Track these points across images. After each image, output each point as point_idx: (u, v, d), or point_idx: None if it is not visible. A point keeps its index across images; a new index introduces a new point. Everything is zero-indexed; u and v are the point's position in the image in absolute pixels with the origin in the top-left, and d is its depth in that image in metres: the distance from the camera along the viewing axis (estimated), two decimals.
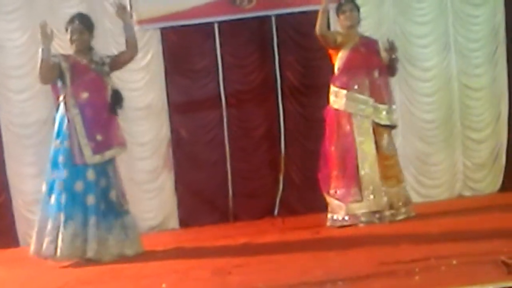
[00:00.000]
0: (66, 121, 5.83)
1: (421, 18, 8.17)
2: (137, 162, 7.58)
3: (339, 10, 6.72)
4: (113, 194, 5.93)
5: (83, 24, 5.97)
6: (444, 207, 7.21)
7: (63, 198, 5.74)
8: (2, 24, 7.79)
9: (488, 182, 8.29)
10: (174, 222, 8.01)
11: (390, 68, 6.73)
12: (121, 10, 6.10)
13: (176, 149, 8.05)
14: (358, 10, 6.73)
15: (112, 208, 5.90)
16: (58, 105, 5.99)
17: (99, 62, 5.97)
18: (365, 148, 6.47)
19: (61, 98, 5.93)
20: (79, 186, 5.77)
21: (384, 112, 6.57)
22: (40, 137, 7.70)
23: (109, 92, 5.95)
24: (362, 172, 6.43)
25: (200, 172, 8.04)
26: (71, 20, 6.00)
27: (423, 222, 6.23)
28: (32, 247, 5.84)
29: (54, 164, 5.85)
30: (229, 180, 8.02)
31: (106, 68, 5.99)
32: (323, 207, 6.72)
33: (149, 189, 7.85)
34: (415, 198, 7.26)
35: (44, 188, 5.95)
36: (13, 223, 7.80)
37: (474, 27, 8.24)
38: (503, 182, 8.27)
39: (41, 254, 5.75)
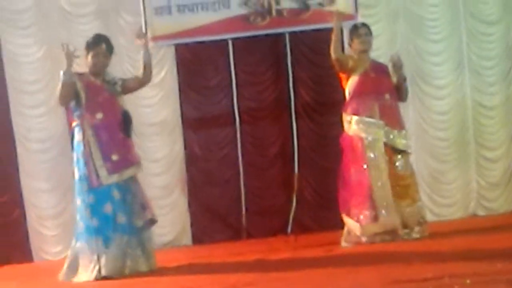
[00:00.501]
0: (82, 147, 5.80)
1: (434, 35, 8.16)
2: (150, 178, 7.55)
3: (354, 34, 6.65)
4: (135, 210, 5.96)
5: (108, 48, 5.96)
6: (458, 226, 7.17)
7: (95, 222, 5.73)
8: (17, 39, 7.82)
9: (502, 201, 8.24)
10: (187, 239, 8.01)
11: (399, 90, 6.68)
12: (142, 36, 6.17)
13: (190, 166, 8.05)
14: (372, 34, 6.71)
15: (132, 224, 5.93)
16: (73, 131, 5.96)
17: (111, 82, 5.98)
18: (378, 168, 6.44)
19: (74, 123, 5.91)
20: (108, 208, 5.77)
21: (395, 136, 6.54)
22: (55, 152, 7.74)
23: (121, 112, 5.97)
24: (375, 192, 6.40)
25: (214, 189, 8.04)
26: (97, 42, 5.94)
27: (436, 240, 6.20)
28: (65, 274, 5.83)
29: (80, 193, 5.84)
30: (242, 197, 8.02)
31: (118, 88, 6.00)
32: (336, 225, 6.70)
33: (162, 205, 7.82)
34: (428, 217, 7.18)
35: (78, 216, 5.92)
36: (26, 237, 7.80)
37: (488, 45, 8.24)
38: None
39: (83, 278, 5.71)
